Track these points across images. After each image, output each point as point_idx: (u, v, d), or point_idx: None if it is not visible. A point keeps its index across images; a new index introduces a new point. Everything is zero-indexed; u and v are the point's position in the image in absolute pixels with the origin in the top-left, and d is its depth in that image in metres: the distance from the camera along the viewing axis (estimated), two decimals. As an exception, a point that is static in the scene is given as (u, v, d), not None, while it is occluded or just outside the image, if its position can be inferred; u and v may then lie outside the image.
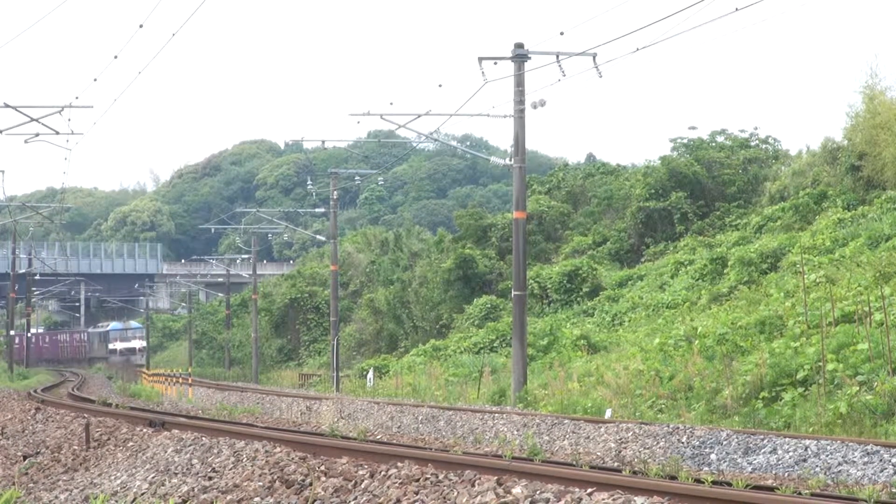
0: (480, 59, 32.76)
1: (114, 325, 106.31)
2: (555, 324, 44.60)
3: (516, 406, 30.78)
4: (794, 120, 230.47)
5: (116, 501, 13.98)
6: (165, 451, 16.60)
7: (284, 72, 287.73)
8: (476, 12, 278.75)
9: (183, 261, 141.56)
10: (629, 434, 21.41)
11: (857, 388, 20.93)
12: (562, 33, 30.03)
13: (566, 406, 28.70)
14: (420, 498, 11.20)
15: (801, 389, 22.84)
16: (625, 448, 20.61)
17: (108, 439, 19.84)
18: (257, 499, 12.48)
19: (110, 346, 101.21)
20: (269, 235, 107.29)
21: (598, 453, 20.40)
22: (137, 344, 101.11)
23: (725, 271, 42.81)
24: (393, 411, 30.95)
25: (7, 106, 37.18)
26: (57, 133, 37.75)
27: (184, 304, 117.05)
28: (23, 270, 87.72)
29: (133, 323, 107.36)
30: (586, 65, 31.95)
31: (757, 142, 62.33)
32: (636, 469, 14.82)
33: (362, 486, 12.06)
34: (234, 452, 15.01)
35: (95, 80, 37.05)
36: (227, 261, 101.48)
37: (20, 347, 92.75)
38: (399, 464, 12.80)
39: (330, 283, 60.00)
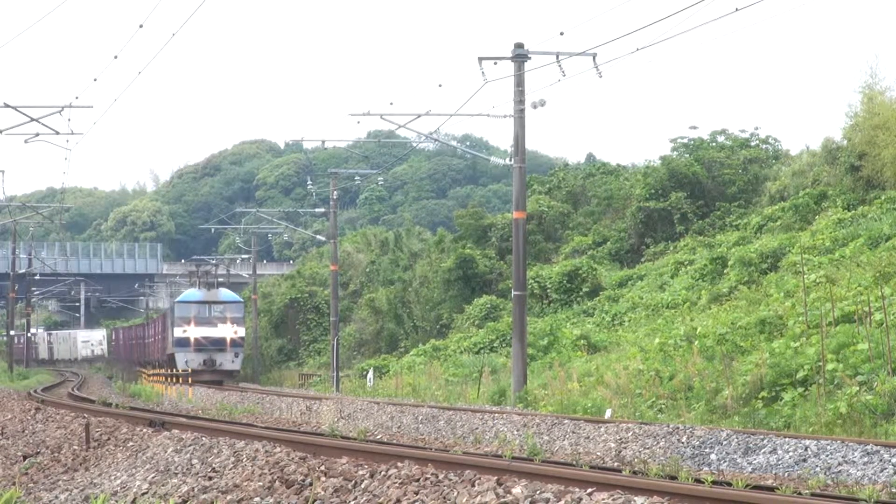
0: (480, 59, 32.79)
1: (188, 293, 62.99)
2: (555, 324, 44.59)
3: (516, 406, 30.78)
4: (794, 120, 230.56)
5: (116, 501, 13.98)
6: (165, 451, 16.60)
7: (284, 72, 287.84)
8: (476, 12, 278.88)
9: (183, 261, 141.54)
10: (629, 434, 21.41)
11: (857, 388, 20.93)
12: (562, 33, 30.09)
13: (566, 406, 28.70)
14: (420, 498, 11.20)
15: (801, 389, 22.85)
16: (625, 448, 20.61)
17: (108, 439, 19.84)
18: (257, 499, 12.49)
19: (176, 334, 59.68)
20: (269, 235, 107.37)
21: (598, 453, 20.40)
22: (229, 331, 59.82)
23: (725, 271, 42.80)
24: (393, 411, 30.94)
25: (7, 106, 37.21)
26: (57, 133, 37.81)
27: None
28: (23, 270, 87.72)
29: (223, 291, 62.37)
30: (586, 65, 32.02)
31: (757, 142, 62.35)
32: (636, 469, 14.83)
33: (362, 486, 12.06)
34: (234, 452, 15.01)
35: (95, 80, 37.19)
36: (227, 261, 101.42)
37: (118, 344, 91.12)
38: (399, 464, 12.80)
39: (330, 283, 59.97)
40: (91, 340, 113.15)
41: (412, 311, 64.59)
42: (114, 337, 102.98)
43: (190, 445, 16.40)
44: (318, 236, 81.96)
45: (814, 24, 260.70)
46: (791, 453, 17.97)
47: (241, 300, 63.84)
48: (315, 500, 11.90)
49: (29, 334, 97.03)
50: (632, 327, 42.70)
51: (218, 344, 58.73)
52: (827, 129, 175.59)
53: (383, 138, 65.43)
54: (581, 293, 52.50)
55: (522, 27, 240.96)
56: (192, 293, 61.09)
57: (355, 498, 11.73)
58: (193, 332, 58.67)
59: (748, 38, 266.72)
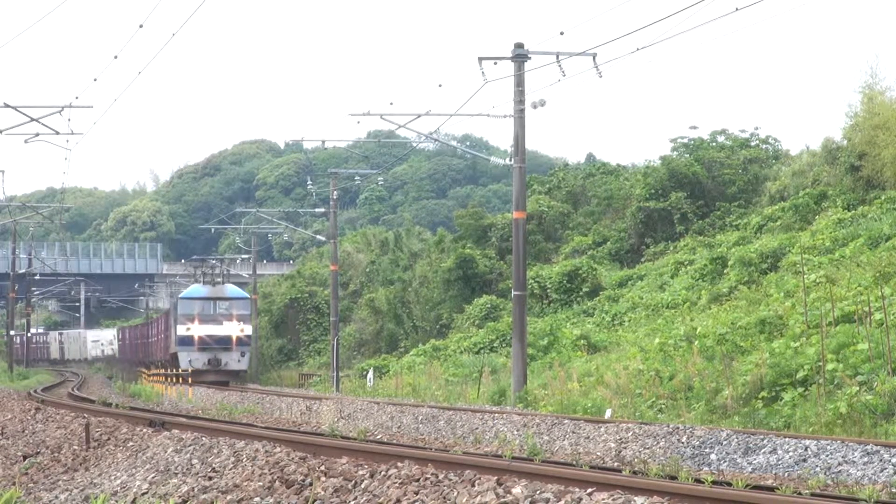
0: (480, 59, 32.79)
1: (192, 289, 60.02)
2: (555, 324, 44.59)
3: (516, 406, 30.77)
4: (794, 120, 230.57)
5: (116, 501, 13.98)
6: (165, 451, 16.60)
7: (284, 72, 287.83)
8: (476, 12, 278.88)
9: (183, 261, 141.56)
10: (629, 434, 21.41)
11: (857, 388, 20.93)
12: (562, 33, 30.07)
13: (566, 406, 28.70)
14: (420, 498, 11.20)
15: (801, 389, 22.85)
16: (625, 448, 20.61)
17: (108, 439, 19.85)
18: (257, 499, 12.49)
19: (179, 332, 56.78)
20: (269, 235, 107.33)
21: (598, 453, 20.39)
22: (235, 329, 56.88)
23: (725, 271, 42.80)
24: (393, 411, 30.94)
25: (7, 106, 37.22)
26: (57, 133, 37.81)
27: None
28: (23, 270, 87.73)
29: (229, 287, 59.72)
30: (586, 65, 32.01)
31: (757, 142, 62.36)
32: (636, 469, 14.83)
33: (362, 486, 12.06)
34: (234, 452, 15.01)
35: (95, 80, 37.21)
36: (228, 261, 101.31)
37: (130, 344, 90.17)
38: (399, 464, 12.80)
39: (330, 283, 59.96)
40: (101, 340, 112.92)
41: (412, 311, 64.58)
42: (121, 336, 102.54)
43: (190, 445, 16.40)
44: (318, 236, 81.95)
45: (814, 25, 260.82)
46: (791, 453, 17.97)
47: (248, 297, 60.86)
48: (315, 500, 11.90)
49: (31, 334, 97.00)
50: (632, 327, 42.70)
51: (223, 342, 55.70)
52: (827, 129, 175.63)
53: (383, 138, 65.43)
54: (581, 293, 52.50)
55: (522, 27, 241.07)
56: (197, 289, 58.00)
57: (355, 498, 11.73)
58: (197, 329, 55.63)
59: (748, 38, 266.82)
